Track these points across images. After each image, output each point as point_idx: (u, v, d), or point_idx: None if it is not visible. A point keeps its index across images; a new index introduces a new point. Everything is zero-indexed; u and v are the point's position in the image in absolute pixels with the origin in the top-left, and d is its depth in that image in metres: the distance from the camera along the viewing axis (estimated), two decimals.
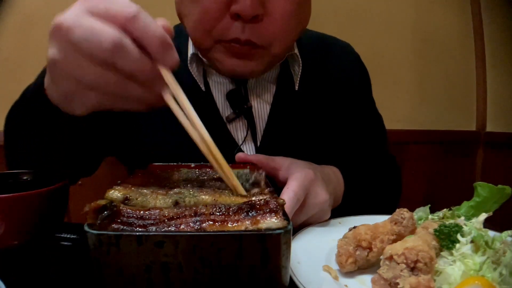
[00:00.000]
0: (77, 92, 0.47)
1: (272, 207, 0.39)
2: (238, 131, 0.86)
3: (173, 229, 0.38)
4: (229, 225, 0.38)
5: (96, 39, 0.41)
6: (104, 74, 0.44)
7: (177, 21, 0.80)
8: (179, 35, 0.90)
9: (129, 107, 0.49)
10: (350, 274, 0.54)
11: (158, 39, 0.43)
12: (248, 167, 0.66)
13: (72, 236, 0.69)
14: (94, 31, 0.42)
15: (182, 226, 0.38)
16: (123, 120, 0.84)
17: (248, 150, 0.86)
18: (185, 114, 0.47)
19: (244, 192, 0.48)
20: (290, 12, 0.71)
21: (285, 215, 0.39)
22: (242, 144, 0.85)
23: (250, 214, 0.39)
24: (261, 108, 0.88)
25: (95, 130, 0.67)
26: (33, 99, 0.60)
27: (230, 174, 0.48)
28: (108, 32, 0.41)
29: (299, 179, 0.63)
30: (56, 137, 0.63)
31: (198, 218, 0.38)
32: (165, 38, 0.44)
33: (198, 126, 0.47)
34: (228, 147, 0.84)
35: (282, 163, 0.69)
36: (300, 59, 0.87)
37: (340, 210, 0.75)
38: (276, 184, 0.68)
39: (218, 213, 0.39)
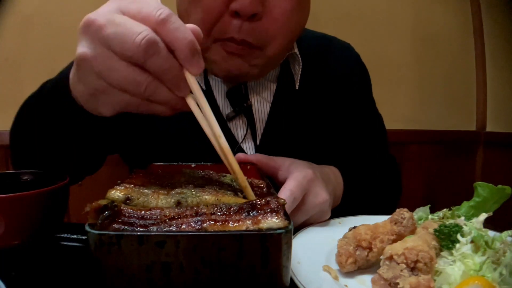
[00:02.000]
0: (106, 92, 0.47)
1: (273, 207, 0.39)
2: (238, 129, 0.87)
3: (174, 229, 0.38)
4: (230, 225, 0.38)
5: (130, 36, 0.41)
6: (134, 73, 0.44)
7: None
8: None
9: (155, 110, 0.49)
10: (350, 274, 0.54)
11: (187, 44, 0.43)
12: (248, 167, 0.66)
13: (74, 236, 0.69)
14: (127, 28, 0.42)
15: (183, 226, 0.38)
16: (130, 118, 0.84)
17: (248, 149, 0.86)
18: (207, 121, 0.47)
19: (253, 197, 0.48)
20: (289, 11, 0.71)
21: (286, 215, 0.39)
22: (242, 142, 0.86)
23: (251, 214, 0.39)
24: (261, 106, 0.88)
25: (103, 127, 0.67)
26: (54, 94, 0.59)
27: (243, 182, 0.48)
28: (141, 30, 0.41)
29: (297, 178, 0.63)
30: (68, 135, 0.63)
31: (199, 218, 0.38)
32: (194, 44, 0.44)
33: (218, 134, 0.47)
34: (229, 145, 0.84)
35: (282, 163, 0.69)
36: (300, 59, 0.88)
37: (340, 210, 0.75)
38: (276, 184, 0.68)
39: (219, 213, 0.39)
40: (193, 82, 0.46)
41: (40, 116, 0.64)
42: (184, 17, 0.75)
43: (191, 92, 0.47)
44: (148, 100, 0.47)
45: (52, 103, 0.60)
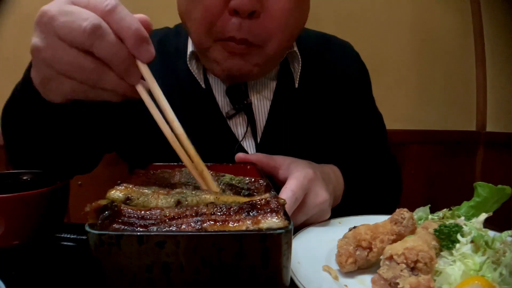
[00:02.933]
0: (53, 78, 0.49)
1: (273, 206, 0.39)
2: (238, 127, 0.87)
3: (174, 229, 0.38)
4: (230, 225, 0.38)
5: (77, 23, 0.44)
6: (81, 59, 0.46)
7: (178, 21, 0.80)
8: (179, 34, 0.91)
9: (103, 97, 0.51)
10: (350, 274, 0.54)
11: (133, 31, 0.45)
12: (248, 167, 0.66)
13: (73, 236, 0.69)
14: (74, 15, 0.44)
15: (183, 226, 0.38)
16: (126, 115, 0.84)
17: (248, 146, 0.86)
18: (160, 109, 0.48)
19: (217, 189, 0.48)
20: (288, 9, 0.71)
21: (286, 214, 0.39)
22: (242, 140, 0.86)
23: (251, 213, 0.39)
24: (261, 104, 0.88)
25: (96, 124, 0.68)
26: (22, 92, 0.61)
27: (199, 166, 0.49)
28: (88, 16, 0.44)
29: (298, 178, 0.63)
30: (50, 131, 0.64)
31: (199, 218, 0.38)
32: (140, 32, 0.46)
33: (171, 119, 0.48)
34: (228, 143, 0.84)
35: (282, 162, 0.69)
36: (299, 57, 0.88)
37: (340, 210, 0.75)
38: (276, 184, 0.68)
39: (219, 213, 0.39)
40: (144, 69, 0.47)
41: (18, 116, 0.65)
42: (185, 17, 0.76)
43: (142, 79, 0.48)
44: (96, 86, 0.49)
45: (22, 101, 0.62)
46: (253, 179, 0.56)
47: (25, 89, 0.59)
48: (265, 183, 0.54)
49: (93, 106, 0.58)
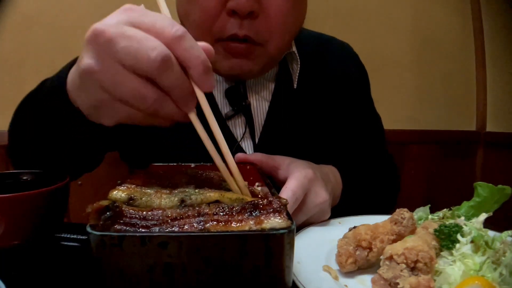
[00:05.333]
0: (108, 104, 0.46)
1: (275, 206, 0.39)
2: (237, 128, 0.87)
3: (176, 229, 0.37)
4: (233, 225, 0.38)
5: (144, 51, 0.40)
6: (143, 87, 0.42)
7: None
8: None
9: (156, 123, 0.48)
10: (350, 274, 0.54)
11: (201, 63, 0.43)
12: (248, 167, 0.66)
13: (74, 236, 0.69)
14: (140, 43, 0.40)
15: (185, 227, 0.38)
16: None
17: (246, 147, 0.87)
18: (214, 139, 0.47)
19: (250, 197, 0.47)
20: (285, 9, 0.72)
21: (288, 214, 0.39)
22: (240, 141, 0.86)
23: (254, 214, 0.39)
24: (259, 105, 0.89)
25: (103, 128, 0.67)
26: (52, 96, 0.57)
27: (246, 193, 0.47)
28: (156, 45, 0.40)
29: (298, 178, 0.63)
30: (66, 135, 0.62)
31: (201, 218, 0.38)
32: (207, 63, 0.43)
33: (225, 153, 0.46)
34: (227, 144, 0.84)
35: (281, 162, 0.70)
36: (298, 57, 0.88)
37: (340, 209, 0.75)
38: (275, 184, 0.68)
39: (222, 213, 0.39)
40: (202, 98, 0.45)
41: (37, 116, 0.63)
42: (183, 17, 0.77)
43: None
44: (154, 115, 0.45)
45: (49, 104, 0.59)
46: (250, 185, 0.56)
47: (55, 95, 0.55)
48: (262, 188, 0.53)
49: None
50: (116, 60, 0.41)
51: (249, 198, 0.45)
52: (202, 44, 0.45)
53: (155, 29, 0.42)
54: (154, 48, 0.40)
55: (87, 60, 0.43)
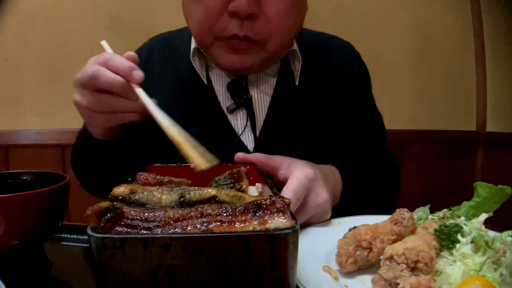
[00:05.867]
0: (91, 117, 0.69)
1: (279, 206, 0.38)
2: (238, 121, 0.89)
3: (179, 231, 0.37)
4: (236, 225, 0.37)
5: (84, 73, 0.64)
6: (96, 96, 0.65)
7: (179, 24, 0.83)
8: (182, 35, 0.96)
9: (126, 118, 0.68)
10: (350, 274, 0.54)
11: (123, 66, 0.63)
12: (248, 167, 0.66)
13: (74, 237, 0.69)
14: (85, 70, 0.65)
15: (188, 228, 0.37)
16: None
17: (247, 141, 0.88)
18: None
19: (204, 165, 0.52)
20: (285, 11, 0.74)
21: (292, 214, 0.38)
22: (241, 134, 0.88)
23: (257, 214, 0.38)
24: (261, 99, 0.90)
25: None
26: (79, 135, 0.85)
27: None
28: (92, 67, 0.64)
29: (299, 178, 0.63)
30: (109, 160, 0.81)
31: (204, 219, 0.38)
32: (129, 65, 0.63)
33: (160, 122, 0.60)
34: (228, 137, 0.87)
35: (282, 162, 0.70)
36: (300, 55, 0.89)
37: (340, 209, 0.75)
38: (275, 183, 0.68)
39: (225, 214, 0.38)
40: (137, 88, 0.63)
41: (84, 155, 0.85)
42: (188, 17, 0.80)
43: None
44: (115, 111, 0.66)
45: (86, 144, 0.80)
46: (234, 170, 0.59)
47: (85, 138, 0.79)
48: (244, 170, 0.59)
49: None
50: (82, 86, 0.65)
51: (247, 197, 0.46)
52: (126, 54, 0.65)
53: (98, 61, 0.65)
54: (91, 69, 0.64)
55: (74, 98, 0.68)
